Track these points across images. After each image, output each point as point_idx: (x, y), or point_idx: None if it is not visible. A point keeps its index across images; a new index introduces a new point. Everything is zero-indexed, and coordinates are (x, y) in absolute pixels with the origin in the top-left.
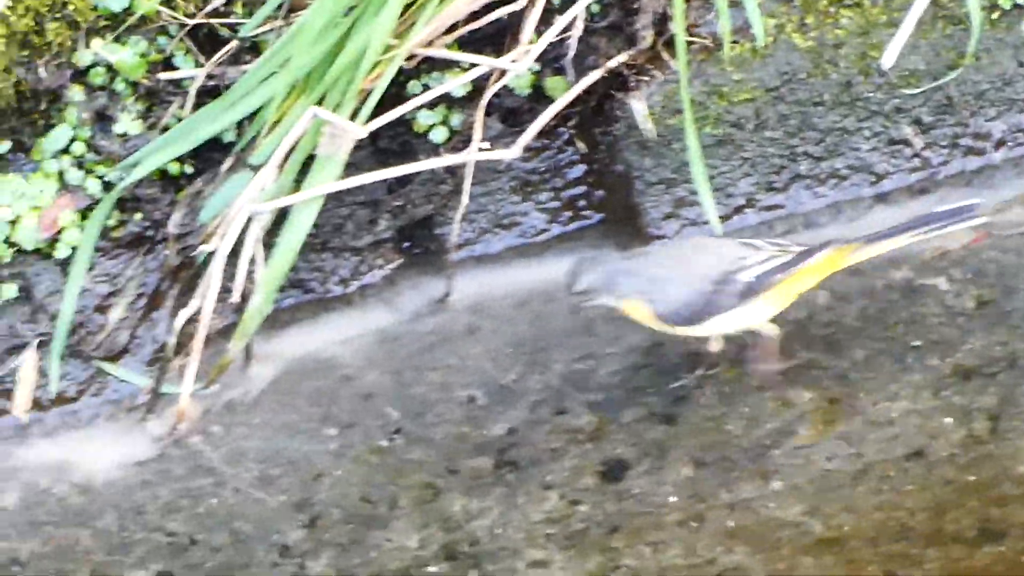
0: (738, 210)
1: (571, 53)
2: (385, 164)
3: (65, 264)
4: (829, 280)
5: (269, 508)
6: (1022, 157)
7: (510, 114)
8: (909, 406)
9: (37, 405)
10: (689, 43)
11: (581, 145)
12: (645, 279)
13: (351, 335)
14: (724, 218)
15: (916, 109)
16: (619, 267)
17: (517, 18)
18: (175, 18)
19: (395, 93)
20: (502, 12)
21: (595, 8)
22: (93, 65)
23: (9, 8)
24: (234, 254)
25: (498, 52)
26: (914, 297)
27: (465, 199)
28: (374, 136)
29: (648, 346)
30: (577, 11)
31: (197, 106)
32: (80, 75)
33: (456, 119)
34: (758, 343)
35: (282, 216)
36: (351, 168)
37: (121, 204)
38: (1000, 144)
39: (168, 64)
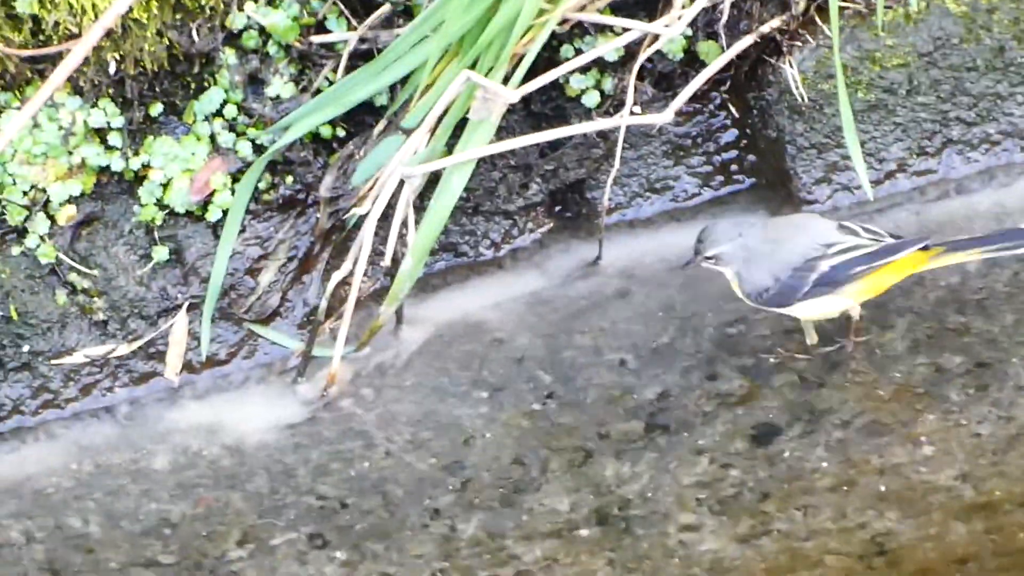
0: (890, 175)
1: (724, 18)
2: (537, 128)
3: (216, 227)
4: None
5: (420, 471)
6: None
7: (662, 78)
8: None
9: (188, 368)
10: (842, 8)
11: (733, 110)
12: (742, 256)
13: (502, 299)
14: (876, 183)
15: None
16: (739, 239)
17: None
18: None
19: (547, 57)
20: None
21: None
22: (246, 28)
23: None
24: (385, 218)
25: (651, 16)
26: None
27: (617, 163)
28: (526, 100)
29: None
30: None
31: (349, 69)
32: (232, 38)
33: (608, 83)
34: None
35: (434, 180)
36: (503, 132)
37: (272, 167)
38: None
39: (320, 27)
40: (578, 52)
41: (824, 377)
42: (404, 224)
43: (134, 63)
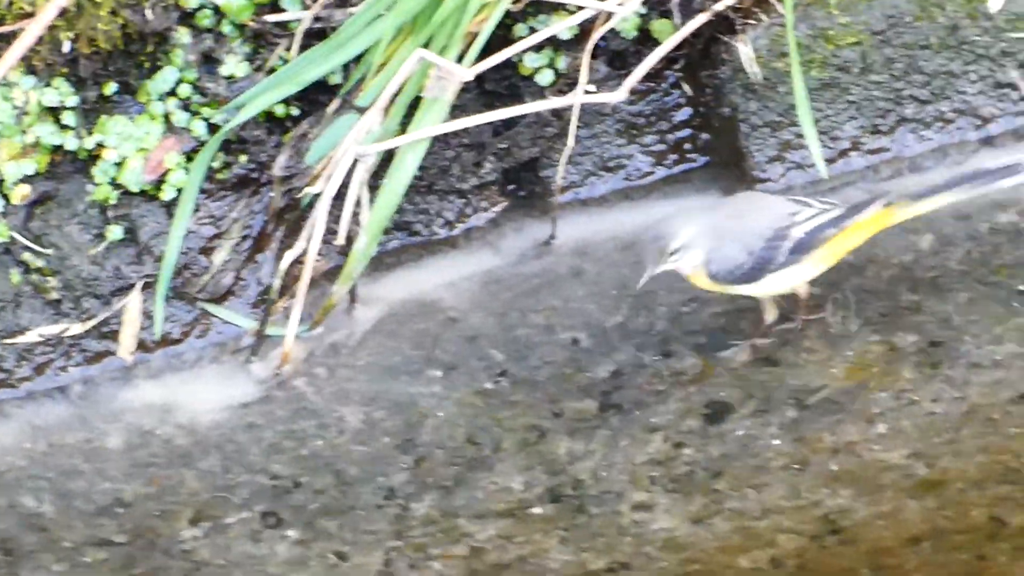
0: (843, 153)
1: None
2: (491, 107)
3: (170, 206)
4: (935, 224)
5: (373, 450)
6: None
7: (616, 57)
8: (1014, 349)
9: (142, 347)
10: None
11: (687, 88)
12: (710, 235)
13: (455, 277)
14: (830, 161)
15: (1022, 52)
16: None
17: None
18: None
19: (501, 36)
20: None
21: None
22: (200, 7)
23: None
24: (339, 196)
25: None
26: (1020, 241)
27: (571, 142)
28: (480, 79)
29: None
30: None
31: (303, 48)
32: (187, 17)
33: (562, 62)
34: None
35: (388, 158)
36: (457, 110)
37: (227, 146)
38: None
39: (275, 6)
40: (532, 31)
41: (777, 355)
42: (358, 203)
43: (88, 42)
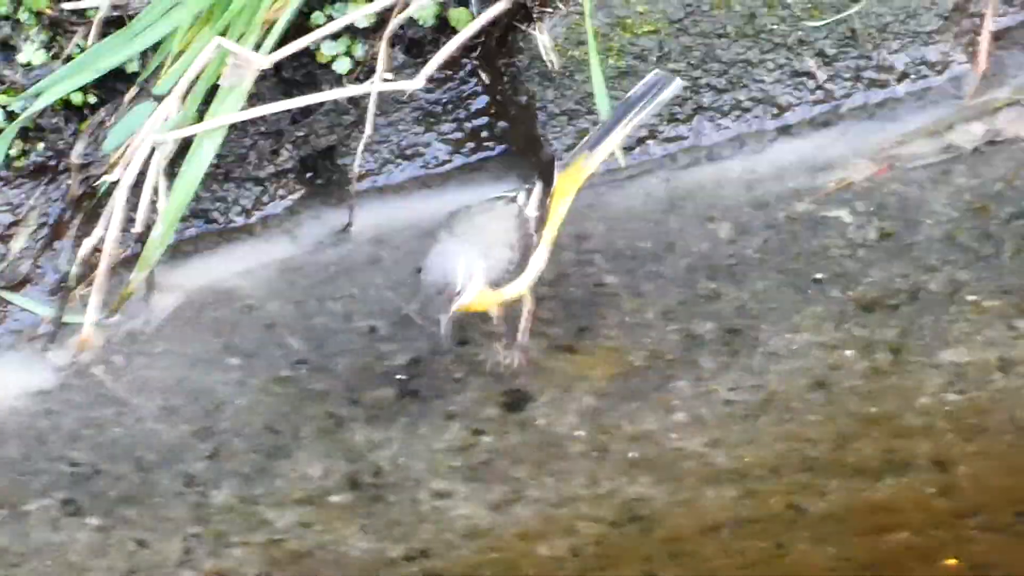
0: (641, 142)
1: None
2: (289, 95)
3: None
4: (732, 212)
5: (172, 438)
6: (925, 90)
7: (414, 45)
8: (811, 338)
9: None
10: None
11: (484, 76)
12: (480, 250)
13: (253, 265)
14: (627, 150)
15: (819, 41)
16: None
17: None
18: None
19: (299, 24)
20: None
21: None
22: None
23: None
24: (137, 184)
25: None
26: (817, 229)
27: (368, 130)
28: (278, 67)
29: (553, 278)
30: None
31: (101, 36)
32: None
33: (360, 50)
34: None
35: (185, 147)
36: (254, 99)
37: (24, 134)
38: (903, 77)
39: None
40: (330, 19)
41: (575, 343)
42: (155, 191)
43: None
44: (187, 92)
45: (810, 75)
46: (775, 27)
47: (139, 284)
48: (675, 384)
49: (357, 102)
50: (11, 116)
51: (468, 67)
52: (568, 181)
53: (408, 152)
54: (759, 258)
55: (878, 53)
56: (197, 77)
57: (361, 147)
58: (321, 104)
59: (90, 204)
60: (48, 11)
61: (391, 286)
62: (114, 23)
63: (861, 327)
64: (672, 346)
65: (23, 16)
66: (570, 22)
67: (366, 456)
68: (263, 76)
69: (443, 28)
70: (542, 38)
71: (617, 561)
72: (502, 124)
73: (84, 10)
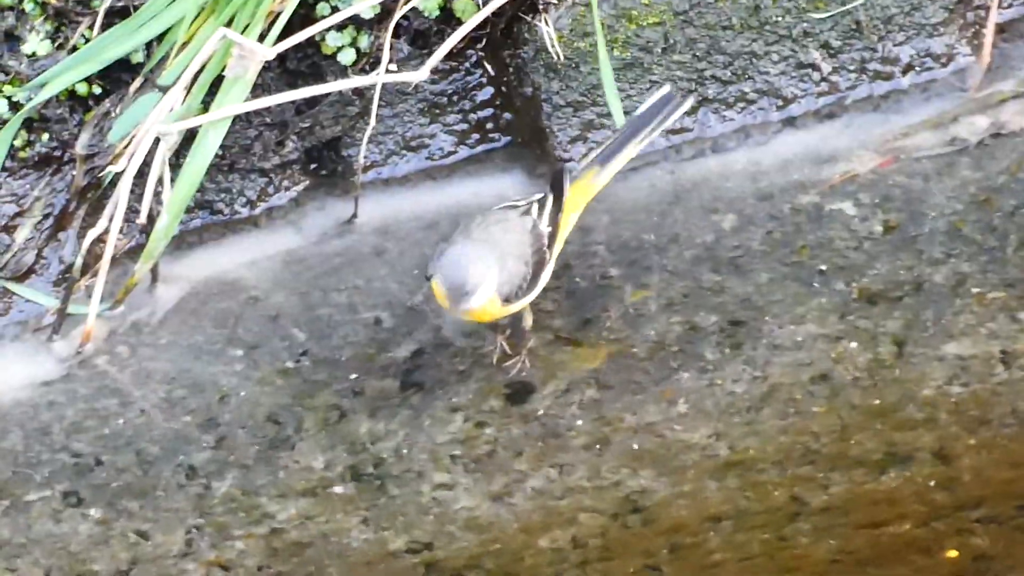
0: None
1: None
2: (293, 86)
3: None
4: (737, 204)
5: (175, 429)
6: (929, 82)
7: (419, 36)
8: (815, 330)
9: None
10: None
11: (489, 67)
12: (494, 260)
13: (257, 257)
14: None
15: (824, 33)
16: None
17: None
18: None
19: (304, 15)
20: None
21: None
22: None
23: None
24: (141, 175)
25: None
26: (821, 221)
27: (373, 121)
28: (282, 58)
29: (556, 269)
30: None
31: (106, 26)
32: None
33: (364, 41)
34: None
35: (190, 137)
36: (259, 89)
37: (28, 124)
38: (908, 69)
39: None
40: (334, 10)
41: (578, 335)
42: (160, 182)
43: None
44: (192, 83)
45: (815, 67)
46: (780, 19)
47: (143, 275)
48: (678, 376)
49: (362, 93)
50: (16, 107)
51: (473, 58)
52: (579, 196)
53: (413, 143)
54: (763, 250)
55: (883, 45)
56: (202, 68)
57: (366, 138)
58: (326, 95)
59: (95, 195)
60: (53, 1)
61: (396, 277)
62: (119, 13)
63: (865, 319)
64: (675, 338)
65: (28, 6)
66: (575, 13)
67: (369, 448)
68: (267, 67)
69: (448, 19)
70: (547, 29)
71: (619, 553)
72: (507, 115)
73: (89, 0)
